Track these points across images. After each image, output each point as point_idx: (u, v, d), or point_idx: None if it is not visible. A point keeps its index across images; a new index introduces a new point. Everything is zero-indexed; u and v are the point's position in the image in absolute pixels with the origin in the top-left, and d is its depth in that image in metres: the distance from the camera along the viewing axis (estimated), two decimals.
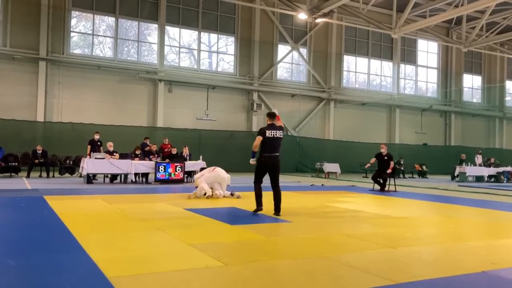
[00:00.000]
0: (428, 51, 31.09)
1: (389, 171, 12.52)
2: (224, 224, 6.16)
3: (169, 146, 14.89)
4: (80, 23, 21.75)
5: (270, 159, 7.15)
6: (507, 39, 26.22)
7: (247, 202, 8.79)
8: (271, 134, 7.12)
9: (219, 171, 10.03)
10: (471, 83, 33.05)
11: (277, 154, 7.19)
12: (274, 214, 7.08)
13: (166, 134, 18.40)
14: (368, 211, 8.06)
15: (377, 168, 12.92)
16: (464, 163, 20.83)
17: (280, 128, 7.31)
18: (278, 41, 25.55)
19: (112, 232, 5.44)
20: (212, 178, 9.81)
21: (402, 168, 22.03)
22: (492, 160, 22.32)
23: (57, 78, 20.37)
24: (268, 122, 7.31)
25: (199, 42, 23.89)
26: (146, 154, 14.33)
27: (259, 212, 7.23)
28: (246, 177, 18.43)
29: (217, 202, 8.89)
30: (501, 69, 33.23)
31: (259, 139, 7.11)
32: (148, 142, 15.02)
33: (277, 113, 7.48)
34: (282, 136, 7.24)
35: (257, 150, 7.23)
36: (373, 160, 12.98)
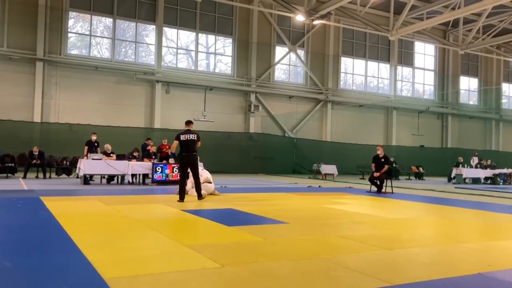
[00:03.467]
0: (425, 53, 31.21)
1: (376, 174, 12.61)
2: (221, 225, 6.15)
3: (168, 146, 14.87)
4: (77, 23, 21.72)
5: (186, 157, 8.95)
6: (503, 42, 26.34)
7: (244, 203, 8.79)
8: (185, 138, 8.95)
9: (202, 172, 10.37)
10: (468, 85, 33.19)
11: (193, 153, 8.96)
12: (198, 199, 8.99)
13: (163, 135, 18.36)
14: (365, 212, 8.07)
15: (375, 170, 12.94)
16: (460, 165, 20.89)
17: (193, 132, 9.10)
18: (276, 42, 25.59)
19: (108, 233, 5.42)
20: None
21: (395, 166, 21.95)
22: (489, 162, 22.38)
23: (54, 78, 20.34)
24: (185, 128, 9.17)
25: (197, 43, 23.89)
26: (146, 155, 14.32)
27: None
28: (244, 179, 18.44)
29: (214, 203, 8.88)
30: (498, 71, 33.38)
31: (175, 142, 9.03)
32: (150, 143, 14.94)
33: (192, 121, 9.56)
34: (195, 139, 9.02)
35: (175, 151, 9.29)
36: (373, 166, 13.00)
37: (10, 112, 19.15)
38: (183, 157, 9.01)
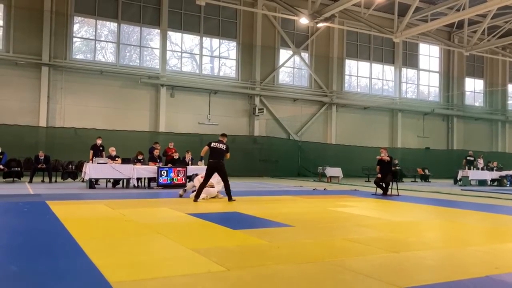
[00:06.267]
0: (429, 55, 31.12)
1: (379, 176, 12.61)
2: (227, 228, 6.15)
3: (173, 150, 14.88)
4: (82, 28, 21.86)
5: (213, 163, 9.76)
6: (508, 43, 26.23)
7: (249, 206, 8.78)
8: (215, 145, 9.81)
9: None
10: (473, 87, 33.03)
11: (218, 160, 9.74)
12: (228, 200, 9.67)
13: (168, 139, 18.40)
14: (371, 215, 8.04)
15: (380, 172, 12.90)
16: (474, 161, 20.78)
17: (224, 143, 9.90)
18: (280, 45, 25.61)
19: (114, 237, 5.44)
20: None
21: (398, 168, 21.82)
22: (495, 164, 22.24)
23: (60, 83, 20.46)
24: (219, 138, 10.07)
25: (201, 47, 23.97)
26: (152, 159, 14.34)
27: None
28: (249, 182, 18.43)
29: (219, 206, 8.88)
30: (503, 72, 33.20)
31: (206, 148, 9.95)
32: (157, 147, 14.89)
33: (226, 134, 10.43)
34: (224, 149, 9.82)
35: (204, 155, 10.28)
36: (378, 168, 12.96)
37: (16, 117, 19.27)
38: (210, 163, 9.81)
